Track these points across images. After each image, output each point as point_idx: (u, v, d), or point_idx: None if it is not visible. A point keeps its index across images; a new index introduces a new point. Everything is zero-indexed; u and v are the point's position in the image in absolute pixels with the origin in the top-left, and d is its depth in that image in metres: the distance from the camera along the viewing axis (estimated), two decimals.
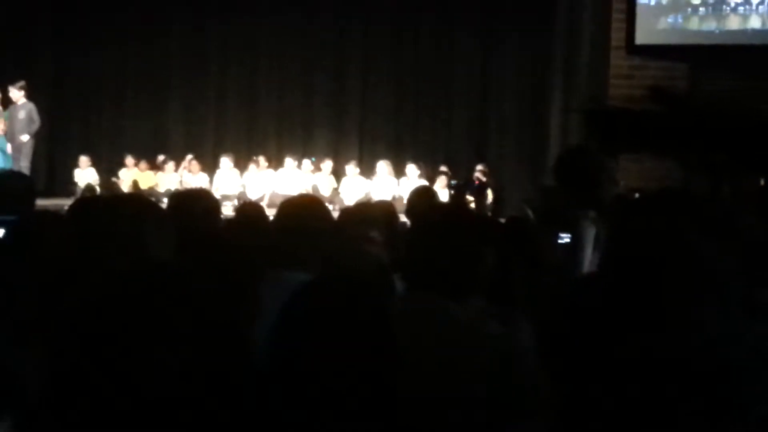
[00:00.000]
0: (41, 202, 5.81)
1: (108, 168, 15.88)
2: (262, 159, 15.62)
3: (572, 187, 4.57)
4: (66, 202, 12.55)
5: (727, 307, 1.88)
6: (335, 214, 4.53)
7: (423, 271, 2.55)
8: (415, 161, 15.31)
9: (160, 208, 2.34)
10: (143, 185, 15.41)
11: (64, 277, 2.06)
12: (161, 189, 15.07)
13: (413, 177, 14.93)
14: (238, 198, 15.07)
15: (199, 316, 1.56)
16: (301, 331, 1.87)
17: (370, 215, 4.21)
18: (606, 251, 2.10)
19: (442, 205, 5.09)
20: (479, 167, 14.84)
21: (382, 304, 1.98)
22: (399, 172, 15.23)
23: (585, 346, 2.07)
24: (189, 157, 15.57)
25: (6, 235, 2.81)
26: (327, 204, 13.36)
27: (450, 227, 2.57)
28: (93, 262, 2.03)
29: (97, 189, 14.90)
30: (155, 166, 15.82)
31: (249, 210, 5.13)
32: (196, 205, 3.78)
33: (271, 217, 3.96)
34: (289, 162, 15.48)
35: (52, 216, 2.57)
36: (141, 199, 2.22)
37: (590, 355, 2.01)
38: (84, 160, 15.64)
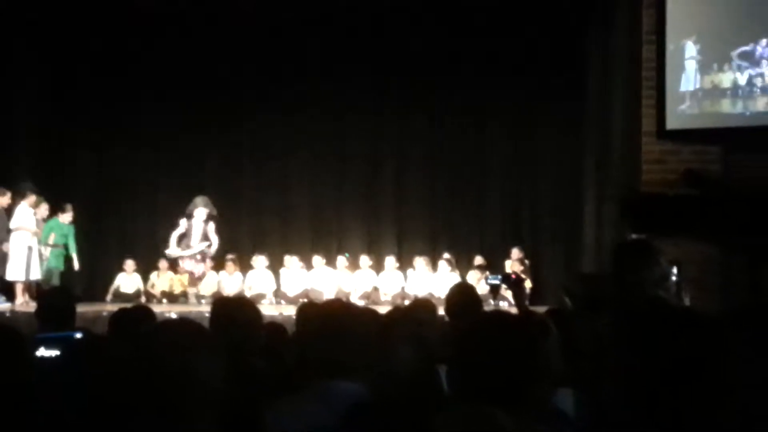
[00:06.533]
0: (79, 309, 5.88)
1: (142, 271, 15.89)
2: (296, 258, 15.60)
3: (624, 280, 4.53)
4: (104, 308, 12.62)
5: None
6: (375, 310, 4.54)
7: (470, 380, 2.51)
8: (449, 252, 15.30)
9: (211, 335, 2.30)
10: (178, 288, 15.47)
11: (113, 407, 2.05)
12: (203, 292, 15.15)
13: (445, 272, 14.91)
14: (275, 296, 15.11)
15: None
16: None
17: (416, 314, 4.23)
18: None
19: (488, 312, 5.07)
20: (516, 251, 14.85)
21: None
22: (434, 263, 15.22)
23: None
24: (229, 257, 15.62)
25: (60, 355, 2.82)
26: (365, 300, 13.21)
27: (497, 334, 2.52)
28: (143, 393, 2.02)
29: (143, 297, 14.98)
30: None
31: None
32: (238, 316, 3.84)
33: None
34: (320, 260, 15.54)
35: (100, 339, 2.57)
36: (191, 325, 2.19)
37: None
38: (130, 264, 15.67)
